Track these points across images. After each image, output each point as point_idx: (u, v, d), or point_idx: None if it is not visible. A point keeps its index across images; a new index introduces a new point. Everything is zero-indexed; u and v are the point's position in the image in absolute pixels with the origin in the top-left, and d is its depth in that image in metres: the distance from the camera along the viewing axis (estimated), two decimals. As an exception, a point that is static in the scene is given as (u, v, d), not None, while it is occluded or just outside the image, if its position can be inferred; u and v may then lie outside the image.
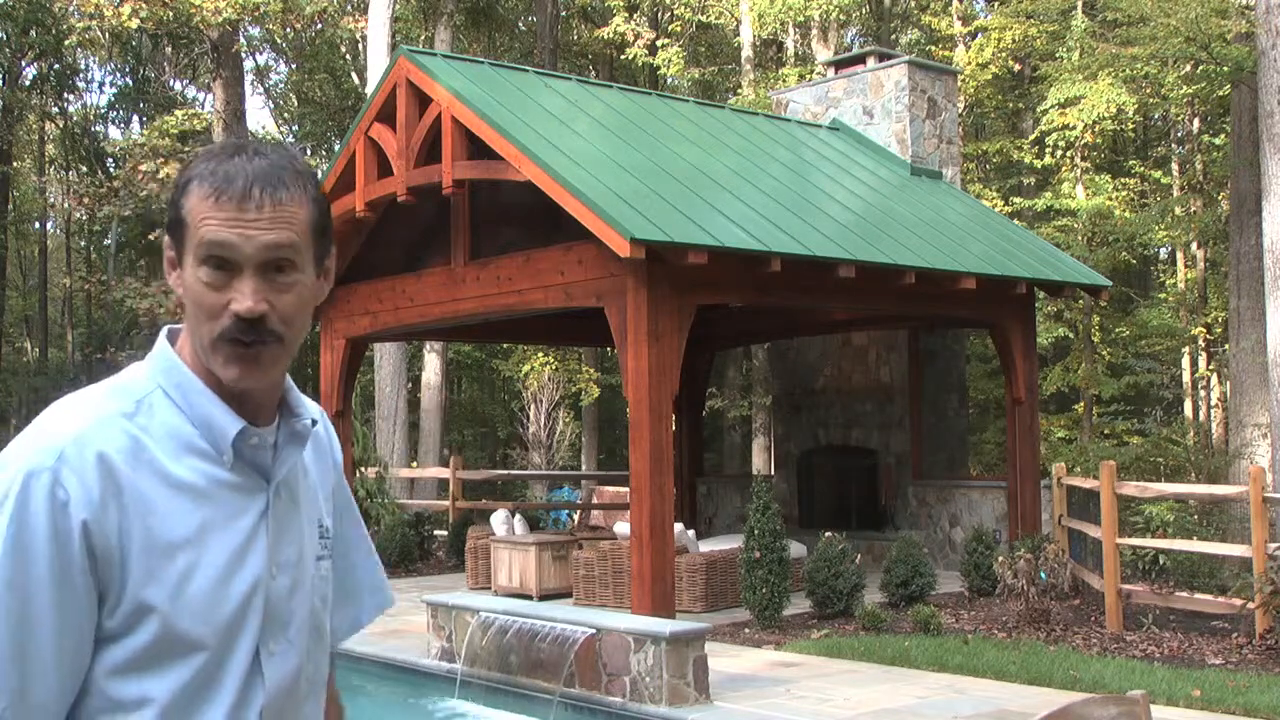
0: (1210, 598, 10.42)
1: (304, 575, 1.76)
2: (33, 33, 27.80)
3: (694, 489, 18.41)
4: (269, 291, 1.65)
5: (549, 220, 11.76)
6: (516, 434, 29.70)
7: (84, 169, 33.28)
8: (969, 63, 25.09)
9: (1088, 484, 12.26)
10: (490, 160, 11.86)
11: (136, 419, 1.64)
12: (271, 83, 37.46)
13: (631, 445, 10.91)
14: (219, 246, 1.64)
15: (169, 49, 31.44)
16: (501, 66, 14.53)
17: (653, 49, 26.84)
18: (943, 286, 12.86)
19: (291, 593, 1.72)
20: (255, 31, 30.67)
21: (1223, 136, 22.91)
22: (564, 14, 30.76)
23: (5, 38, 28.95)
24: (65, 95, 33.39)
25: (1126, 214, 23.36)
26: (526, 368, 26.61)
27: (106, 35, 26.65)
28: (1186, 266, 26.04)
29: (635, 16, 28.22)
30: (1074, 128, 21.36)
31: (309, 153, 32.56)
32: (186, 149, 25.40)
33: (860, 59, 17.60)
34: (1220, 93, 20.96)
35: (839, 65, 17.85)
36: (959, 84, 20.50)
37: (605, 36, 27.93)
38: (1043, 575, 10.83)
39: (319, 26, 27.60)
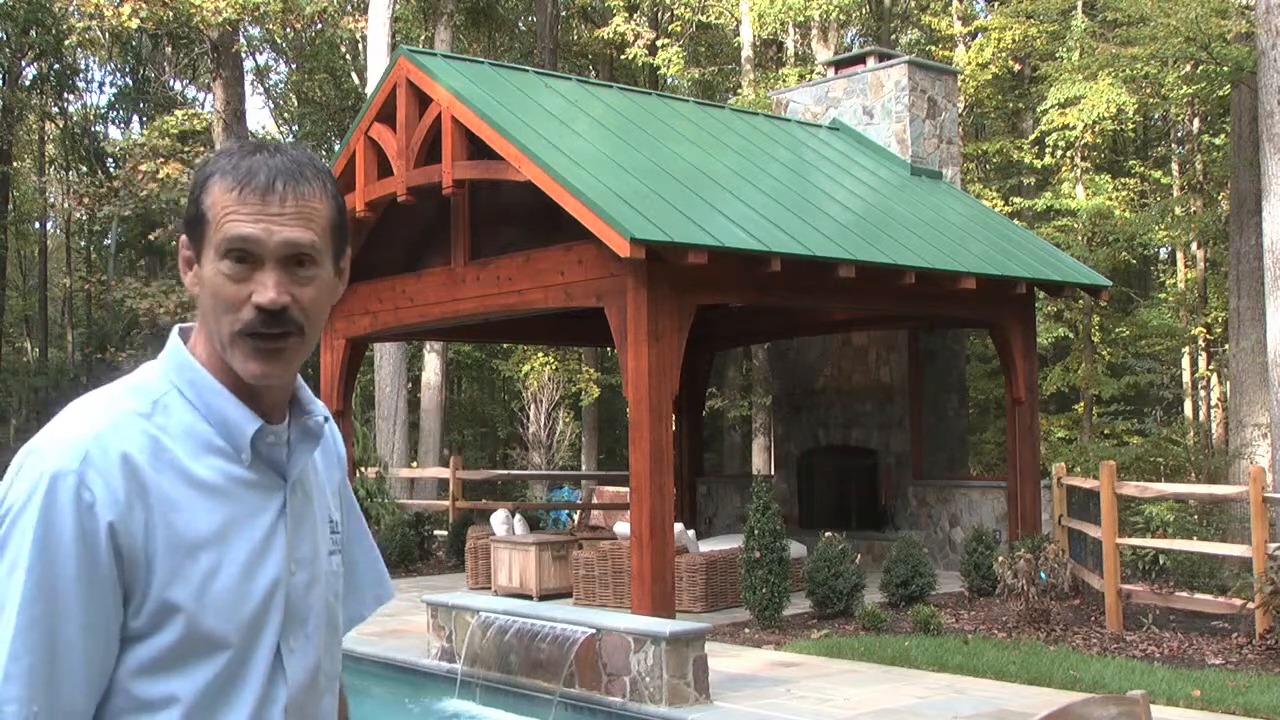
0: (1210, 598, 10.42)
1: (319, 571, 1.77)
2: (33, 33, 27.80)
3: (694, 489, 18.41)
4: (290, 284, 1.66)
5: (549, 220, 11.76)
6: (516, 434, 29.70)
7: (84, 169, 33.28)
8: (969, 63, 25.09)
9: (1088, 484, 12.26)
10: (490, 160, 11.86)
11: (154, 419, 1.64)
12: (271, 83, 37.48)
13: (631, 445, 10.91)
14: (241, 240, 1.64)
15: (169, 49, 31.44)
16: (501, 66, 14.53)
17: (653, 49, 26.84)
18: (943, 286, 12.86)
19: (309, 588, 1.74)
20: (255, 31, 30.67)
21: (1223, 136, 22.92)
22: (564, 14, 30.76)
23: (5, 38, 28.94)
24: (65, 95, 33.39)
25: (1126, 214, 23.37)
26: (526, 368, 26.61)
27: (106, 35, 26.66)
28: (1186, 266, 26.04)
29: (635, 16, 28.22)
30: (1074, 128, 21.36)
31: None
32: (186, 149, 25.42)
33: (860, 59, 17.60)
34: (1220, 93, 20.96)
35: (839, 65, 17.85)
36: (959, 84, 20.51)
37: (605, 36, 27.93)
38: (1043, 575, 10.83)
39: (319, 26, 27.59)
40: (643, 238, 10.32)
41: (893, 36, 30.77)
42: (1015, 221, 19.51)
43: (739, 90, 27.12)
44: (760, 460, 26.35)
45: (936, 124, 16.64)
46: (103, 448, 1.58)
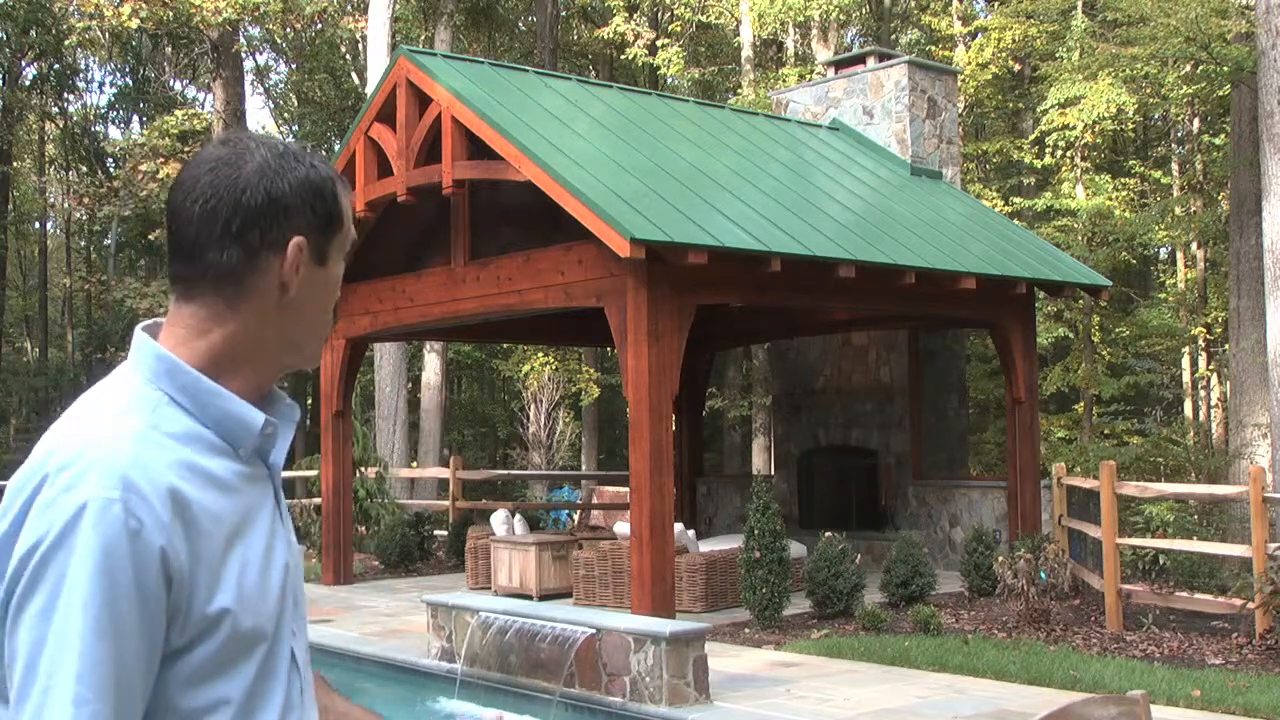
0: (1210, 598, 10.42)
1: (295, 550, 1.80)
2: (33, 33, 27.79)
3: (694, 489, 18.41)
4: None
5: (549, 220, 11.76)
6: (516, 434, 29.70)
7: (84, 169, 33.27)
8: (969, 63, 25.09)
9: (1088, 484, 12.26)
10: (490, 160, 11.86)
11: (163, 429, 1.62)
12: (271, 83, 37.48)
13: (631, 445, 10.91)
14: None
15: (169, 49, 31.44)
16: (501, 66, 14.54)
17: (653, 49, 26.85)
18: (943, 286, 12.87)
19: (297, 570, 1.76)
20: (255, 31, 30.66)
21: (1223, 136, 22.92)
22: (564, 14, 30.76)
23: (5, 38, 28.93)
24: (65, 95, 33.38)
25: (1126, 214, 23.37)
26: (526, 368, 26.61)
27: (106, 35, 26.65)
28: (1186, 266, 26.05)
29: (635, 16, 28.22)
30: (1074, 128, 21.36)
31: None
32: (186, 149, 25.40)
33: (860, 59, 17.60)
34: (1220, 93, 20.96)
35: (839, 65, 17.85)
36: (959, 84, 20.51)
37: (605, 36, 27.93)
38: (1043, 575, 10.83)
39: (319, 26, 27.60)
40: (643, 238, 10.32)
41: (893, 36, 30.77)
42: (1015, 221, 19.52)
43: (739, 90, 27.12)
44: (760, 460, 26.36)
45: (936, 124, 16.64)
46: (140, 469, 1.54)
